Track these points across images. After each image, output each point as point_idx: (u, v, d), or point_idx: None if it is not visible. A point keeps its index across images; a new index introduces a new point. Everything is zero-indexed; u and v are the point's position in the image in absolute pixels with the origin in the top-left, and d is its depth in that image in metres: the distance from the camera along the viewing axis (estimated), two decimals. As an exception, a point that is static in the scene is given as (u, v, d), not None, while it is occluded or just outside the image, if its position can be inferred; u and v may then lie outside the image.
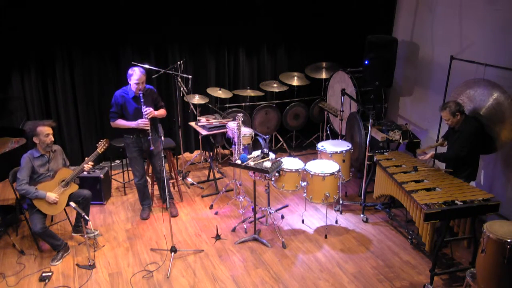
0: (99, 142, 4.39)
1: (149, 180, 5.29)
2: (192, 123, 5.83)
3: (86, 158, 4.31)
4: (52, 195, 4.10)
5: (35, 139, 4.08)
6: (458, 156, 4.24)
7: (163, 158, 4.28)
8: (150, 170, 5.27)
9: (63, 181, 4.21)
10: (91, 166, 4.32)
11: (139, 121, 4.51)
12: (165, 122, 6.11)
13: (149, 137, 4.53)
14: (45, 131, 4.07)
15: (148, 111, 4.49)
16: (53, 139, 4.16)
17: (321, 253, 4.41)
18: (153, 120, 4.68)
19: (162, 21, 5.93)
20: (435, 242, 3.91)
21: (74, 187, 4.31)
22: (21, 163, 4.06)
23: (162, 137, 4.26)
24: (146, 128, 4.50)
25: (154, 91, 4.72)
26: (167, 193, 4.14)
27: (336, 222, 4.95)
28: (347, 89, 5.71)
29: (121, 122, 4.59)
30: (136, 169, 4.83)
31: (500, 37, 4.68)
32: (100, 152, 4.34)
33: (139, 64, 4.62)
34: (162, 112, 4.75)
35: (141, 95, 4.45)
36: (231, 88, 6.55)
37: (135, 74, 4.41)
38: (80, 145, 6.10)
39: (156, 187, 5.29)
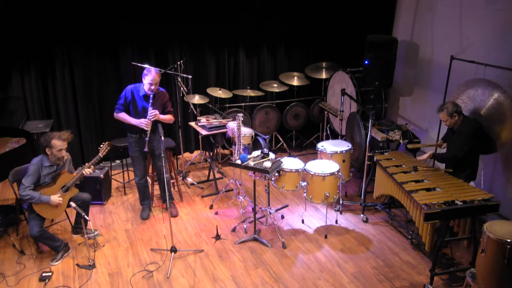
0: (101, 146, 4.33)
1: (149, 180, 5.29)
2: (192, 123, 5.83)
3: (87, 163, 4.28)
4: (55, 198, 4.10)
5: (47, 150, 4.04)
6: (457, 157, 4.24)
7: (163, 158, 4.28)
8: (150, 170, 5.27)
9: (63, 186, 4.21)
10: (92, 171, 4.30)
11: (142, 120, 4.50)
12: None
13: (146, 138, 4.50)
14: (59, 146, 4.02)
15: (153, 113, 4.48)
16: (64, 154, 4.11)
17: (321, 253, 4.41)
18: (155, 122, 4.66)
19: (162, 21, 5.93)
20: (435, 242, 3.91)
21: (74, 191, 4.30)
22: (29, 168, 4.02)
23: (162, 137, 4.24)
24: (146, 129, 4.50)
25: (165, 95, 4.70)
26: (167, 193, 4.14)
27: (336, 222, 4.95)
28: (347, 89, 5.71)
29: (123, 117, 4.58)
30: (137, 168, 4.83)
31: (500, 37, 4.68)
32: (102, 156, 4.31)
33: (146, 66, 4.59)
34: (168, 117, 4.71)
35: (151, 96, 4.45)
36: (231, 88, 6.55)
37: (150, 75, 4.40)
38: (80, 145, 6.09)
39: (156, 187, 5.30)
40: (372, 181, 4.99)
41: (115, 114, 4.62)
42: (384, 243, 4.57)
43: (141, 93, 4.53)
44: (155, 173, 5.14)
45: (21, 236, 4.64)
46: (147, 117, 4.48)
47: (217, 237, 4.62)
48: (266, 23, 6.49)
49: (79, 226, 4.54)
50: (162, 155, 4.23)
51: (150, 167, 5.23)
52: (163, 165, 4.42)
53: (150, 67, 4.48)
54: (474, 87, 4.52)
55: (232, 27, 6.33)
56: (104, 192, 5.27)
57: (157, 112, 4.51)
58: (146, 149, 4.57)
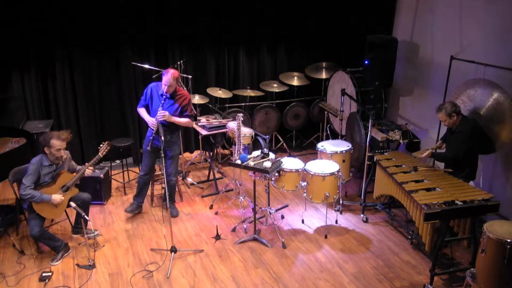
0: (101, 146, 4.32)
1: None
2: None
3: (87, 163, 4.28)
4: (57, 197, 4.10)
5: (46, 149, 4.04)
6: (456, 157, 4.24)
7: (163, 159, 4.28)
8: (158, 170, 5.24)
9: (63, 186, 4.21)
10: (91, 172, 4.30)
11: (150, 118, 4.55)
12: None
13: (149, 136, 4.51)
14: (58, 145, 4.01)
15: (162, 113, 4.47)
16: (63, 154, 4.11)
17: (321, 253, 4.41)
18: (173, 125, 4.65)
19: (162, 21, 5.93)
20: (435, 242, 3.91)
21: (74, 191, 4.29)
22: (28, 168, 4.01)
23: (162, 137, 4.24)
24: (152, 128, 4.51)
25: (185, 98, 4.65)
26: (167, 193, 4.12)
27: (336, 222, 4.95)
28: (347, 89, 5.71)
29: (140, 113, 4.72)
30: (144, 163, 4.85)
31: (500, 37, 4.68)
32: (102, 156, 4.31)
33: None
34: (184, 121, 4.67)
35: (165, 96, 4.48)
36: (231, 88, 6.54)
37: (166, 76, 4.43)
38: (80, 145, 6.09)
39: (156, 187, 5.30)
40: (372, 181, 4.99)
41: (137, 108, 4.77)
42: (384, 243, 4.57)
43: (160, 92, 4.56)
44: (155, 173, 5.14)
45: (21, 236, 4.64)
46: (155, 116, 4.49)
47: (217, 237, 4.62)
48: (266, 23, 6.48)
49: (79, 226, 4.54)
50: (162, 155, 4.23)
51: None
52: (164, 164, 4.43)
53: (171, 69, 4.48)
54: (474, 87, 4.52)
55: (232, 27, 6.33)
56: (104, 192, 5.27)
57: (166, 113, 4.50)
58: (148, 148, 4.59)
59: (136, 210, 5.05)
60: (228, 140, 6.56)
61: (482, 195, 3.77)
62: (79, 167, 4.38)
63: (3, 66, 5.49)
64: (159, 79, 4.56)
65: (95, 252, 4.39)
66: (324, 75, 6.66)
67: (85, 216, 4.13)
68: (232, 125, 5.21)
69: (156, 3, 5.81)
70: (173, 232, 4.42)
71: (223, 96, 6.17)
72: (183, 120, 4.68)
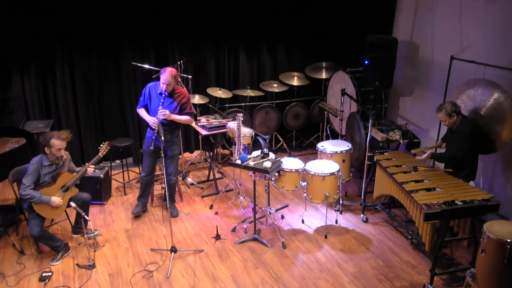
0: (101, 146, 4.32)
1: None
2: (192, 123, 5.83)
3: (87, 163, 4.28)
4: (56, 199, 4.10)
5: (46, 149, 4.05)
6: (456, 157, 4.25)
7: (163, 159, 4.28)
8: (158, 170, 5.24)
9: (63, 186, 4.21)
10: (92, 171, 4.30)
11: (151, 117, 4.55)
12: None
13: (152, 136, 4.52)
14: (58, 145, 4.02)
15: (162, 112, 4.47)
16: (63, 153, 4.11)
17: (321, 253, 4.41)
18: (173, 124, 4.65)
19: (162, 21, 5.93)
20: (435, 242, 3.91)
21: (74, 191, 4.29)
22: (28, 168, 4.02)
23: (162, 137, 4.24)
24: (153, 126, 4.50)
25: (184, 96, 4.66)
26: (167, 193, 4.12)
27: (336, 222, 4.95)
28: (347, 89, 5.71)
29: (140, 113, 4.71)
30: (145, 164, 4.85)
31: (500, 37, 4.68)
32: (102, 156, 4.31)
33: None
34: (184, 118, 4.67)
35: (163, 94, 4.48)
36: (231, 88, 6.54)
37: (164, 75, 4.43)
38: (80, 145, 6.09)
39: (156, 187, 5.29)
40: (372, 181, 4.99)
41: (136, 109, 4.76)
42: (384, 243, 4.57)
43: (159, 91, 4.56)
44: (155, 173, 5.14)
45: (21, 236, 4.64)
46: (156, 115, 4.49)
47: (217, 237, 4.62)
48: (266, 23, 6.48)
49: (79, 226, 4.54)
50: (162, 155, 4.23)
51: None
52: (164, 164, 4.43)
53: (169, 68, 4.49)
54: (474, 87, 4.53)
55: (232, 27, 6.33)
56: (104, 192, 5.27)
57: (166, 111, 4.50)
58: (151, 147, 4.58)
59: (141, 211, 5.06)
60: (228, 140, 6.56)
61: (482, 195, 3.77)
62: (78, 168, 4.38)
63: (3, 66, 5.49)
64: (159, 79, 4.56)
65: (95, 252, 4.39)
66: (324, 75, 6.66)
67: (85, 216, 4.13)
68: (232, 125, 5.21)
69: (156, 3, 5.82)
70: (173, 232, 4.42)
71: (223, 96, 6.17)
72: (184, 118, 4.68)
